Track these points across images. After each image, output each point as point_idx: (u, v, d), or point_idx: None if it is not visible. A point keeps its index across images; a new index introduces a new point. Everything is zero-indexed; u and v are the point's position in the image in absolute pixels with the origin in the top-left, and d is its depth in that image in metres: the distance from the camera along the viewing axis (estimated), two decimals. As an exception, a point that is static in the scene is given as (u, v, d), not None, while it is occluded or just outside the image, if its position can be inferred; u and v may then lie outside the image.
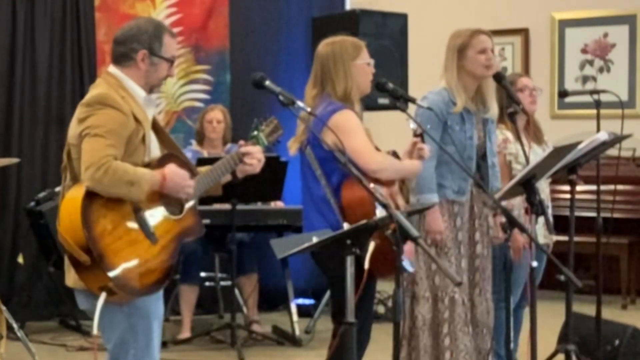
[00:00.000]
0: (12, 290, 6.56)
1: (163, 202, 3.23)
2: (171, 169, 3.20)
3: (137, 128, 3.19)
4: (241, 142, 3.55)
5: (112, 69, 3.31)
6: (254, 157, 3.44)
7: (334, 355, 3.33)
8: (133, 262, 3.10)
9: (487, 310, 4.39)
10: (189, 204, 3.31)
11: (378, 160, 3.76)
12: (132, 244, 3.12)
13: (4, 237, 6.63)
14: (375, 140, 3.93)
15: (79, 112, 3.18)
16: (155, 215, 3.19)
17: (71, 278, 3.20)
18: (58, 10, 6.75)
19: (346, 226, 2.85)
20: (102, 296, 3.06)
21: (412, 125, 3.88)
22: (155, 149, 3.32)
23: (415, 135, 3.90)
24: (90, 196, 3.05)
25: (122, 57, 3.28)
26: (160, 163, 3.25)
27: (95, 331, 3.08)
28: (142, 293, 3.15)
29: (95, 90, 3.22)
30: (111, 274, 3.03)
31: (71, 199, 3.09)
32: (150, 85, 3.31)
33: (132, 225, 3.13)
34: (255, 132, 3.52)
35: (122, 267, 3.07)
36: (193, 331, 6.17)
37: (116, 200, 3.10)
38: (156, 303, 3.29)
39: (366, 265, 2.96)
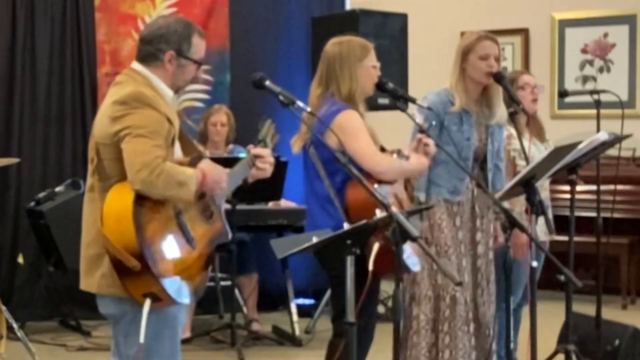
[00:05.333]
0: (12, 290, 6.56)
1: (197, 206, 3.16)
2: (208, 165, 3.11)
3: (169, 128, 3.08)
4: (250, 146, 3.50)
5: (137, 66, 3.17)
6: (266, 161, 3.38)
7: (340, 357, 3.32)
8: (179, 268, 3.02)
9: (490, 312, 4.38)
10: (218, 209, 3.25)
11: (381, 162, 3.77)
12: (180, 245, 3.04)
13: (4, 237, 6.63)
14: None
15: (113, 110, 3.03)
16: (192, 219, 3.12)
17: (94, 283, 3.08)
18: (58, 10, 6.75)
19: (346, 226, 2.85)
20: (147, 303, 2.96)
21: (419, 119, 3.89)
22: (177, 150, 3.22)
23: (421, 131, 3.90)
24: (139, 200, 2.95)
25: (148, 57, 3.15)
26: (193, 164, 3.15)
27: (142, 339, 2.96)
28: (194, 298, 3.10)
29: (127, 88, 3.07)
30: (162, 280, 2.94)
31: (117, 201, 2.96)
32: (176, 87, 3.20)
33: (175, 229, 3.05)
34: (263, 136, 3.47)
35: (171, 273, 2.99)
36: (193, 331, 6.17)
37: (161, 204, 3.01)
38: (182, 308, 3.21)
39: (370, 266, 2.95)
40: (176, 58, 3.15)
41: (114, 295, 3.06)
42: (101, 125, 3.09)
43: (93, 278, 3.08)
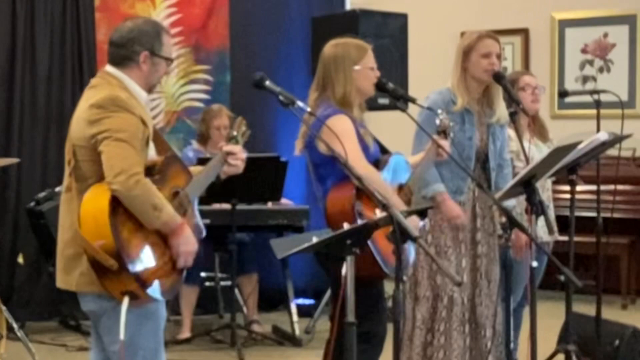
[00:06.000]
0: (12, 290, 6.57)
1: (171, 204, 3.19)
2: (189, 231, 3.18)
3: (144, 130, 3.15)
4: (222, 143, 3.56)
5: (110, 69, 3.26)
6: (238, 158, 3.44)
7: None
8: (157, 265, 3.09)
9: (491, 313, 4.37)
10: (192, 206, 3.30)
11: (361, 168, 3.61)
12: (153, 246, 3.10)
13: (4, 237, 6.63)
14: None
15: (90, 113, 3.11)
16: None
17: (73, 281, 3.15)
18: (58, 10, 6.75)
19: (346, 226, 2.84)
20: (125, 301, 3.02)
21: (437, 120, 3.88)
22: (151, 150, 3.28)
23: (439, 132, 3.88)
24: (116, 200, 3.02)
25: (123, 60, 3.24)
26: (166, 164, 3.22)
27: (122, 336, 3.02)
28: (165, 295, 3.14)
29: (103, 92, 3.15)
30: (140, 278, 3.01)
31: (94, 202, 3.03)
32: (150, 85, 3.29)
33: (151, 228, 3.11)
34: (235, 133, 3.53)
35: (149, 270, 3.05)
36: (193, 331, 6.17)
37: None
38: (163, 304, 3.28)
39: (343, 271, 2.95)
40: (150, 57, 3.24)
41: (94, 293, 3.13)
42: (78, 127, 3.16)
43: (72, 276, 3.15)
